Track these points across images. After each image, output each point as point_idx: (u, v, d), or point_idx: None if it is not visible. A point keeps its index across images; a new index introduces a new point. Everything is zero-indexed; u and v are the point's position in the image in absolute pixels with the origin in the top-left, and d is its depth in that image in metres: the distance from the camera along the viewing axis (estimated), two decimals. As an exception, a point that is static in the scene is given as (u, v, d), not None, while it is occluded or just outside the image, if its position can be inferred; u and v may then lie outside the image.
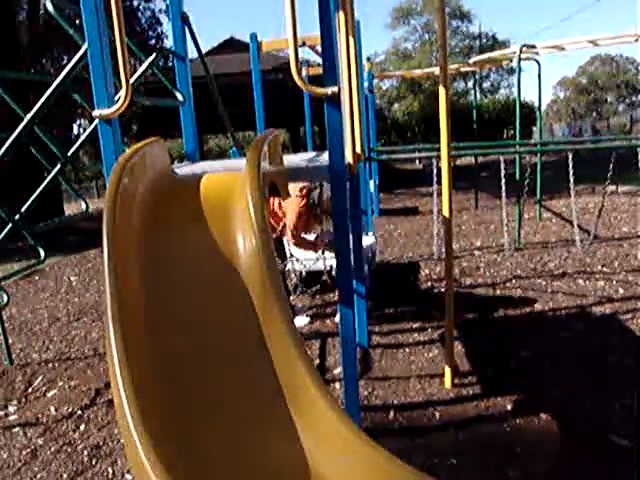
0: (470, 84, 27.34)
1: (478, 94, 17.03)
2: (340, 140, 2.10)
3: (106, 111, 2.32)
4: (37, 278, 7.11)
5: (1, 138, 3.34)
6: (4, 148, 2.92)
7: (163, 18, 15.55)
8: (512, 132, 25.73)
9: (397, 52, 35.92)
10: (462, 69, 10.04)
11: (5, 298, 4.02)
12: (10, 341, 4.56)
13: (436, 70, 9.62)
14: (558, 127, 42.51)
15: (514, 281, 5.11)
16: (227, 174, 2.10)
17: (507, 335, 3.86)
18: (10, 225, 3.36)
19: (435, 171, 5.86)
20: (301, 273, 4.32)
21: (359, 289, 3.26)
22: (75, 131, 17.15)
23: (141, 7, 14.91)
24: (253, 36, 5.27)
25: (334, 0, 2.20)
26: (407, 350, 3.73)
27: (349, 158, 2.18)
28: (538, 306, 4.39)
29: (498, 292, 4.82)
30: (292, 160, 2.62)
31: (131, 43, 2.80)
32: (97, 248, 8.63)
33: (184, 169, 2.87)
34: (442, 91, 2.66)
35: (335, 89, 2.06)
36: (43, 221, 3.95)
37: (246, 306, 1.72)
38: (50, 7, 2.64)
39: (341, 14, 2.36)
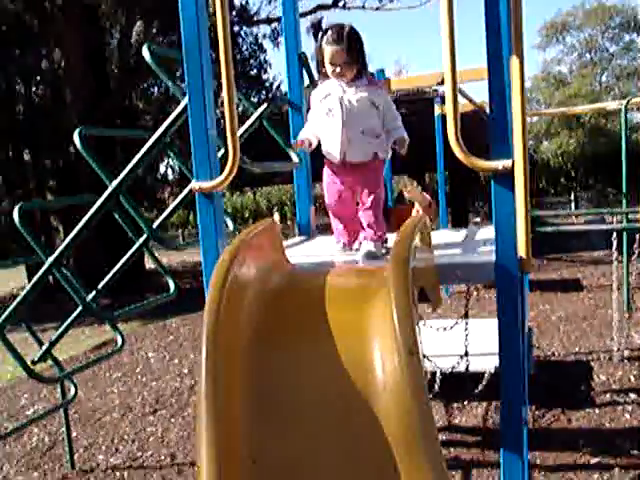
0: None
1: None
2: (512, 231, 1.91)
3: (207, 184, 2.29)
4: (110, 351, 7.39)
5: (85, 203, 3.49)
6: (87, 216, 3.02)
7: (267, 44, 16.19)
8: None
9: (548, 77, 35.39)
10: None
11: (72, 392, 4.12)
12: (74, 434, 4.69)
13: (610, 105, 9.16)
14: None
15: None
16: (360, 270, 1.97)
17: None
18: (80, 309, 3.41)
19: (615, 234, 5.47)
20: (434, 375, 4.07)
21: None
22: (162, 170, 17.08)
23: (242, 33, 15.50)
24: (381, 72, 5.33)
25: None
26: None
27: (522, 250, 1.98)
28: None
29: None
30: (442, 241, 2.46)
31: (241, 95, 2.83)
32: (179, 315, 8.90)
33: (298, 250, 2.80)
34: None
35: (508, 163, 1.88)
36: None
37: (381, 456, 1.56)
38: (147, 56, 2.74)
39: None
